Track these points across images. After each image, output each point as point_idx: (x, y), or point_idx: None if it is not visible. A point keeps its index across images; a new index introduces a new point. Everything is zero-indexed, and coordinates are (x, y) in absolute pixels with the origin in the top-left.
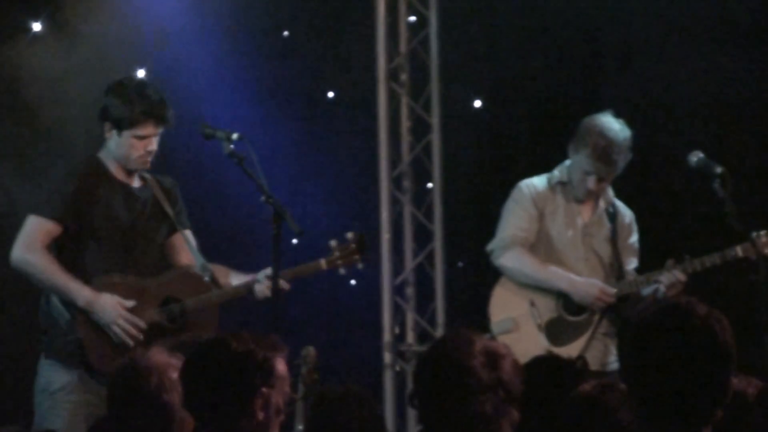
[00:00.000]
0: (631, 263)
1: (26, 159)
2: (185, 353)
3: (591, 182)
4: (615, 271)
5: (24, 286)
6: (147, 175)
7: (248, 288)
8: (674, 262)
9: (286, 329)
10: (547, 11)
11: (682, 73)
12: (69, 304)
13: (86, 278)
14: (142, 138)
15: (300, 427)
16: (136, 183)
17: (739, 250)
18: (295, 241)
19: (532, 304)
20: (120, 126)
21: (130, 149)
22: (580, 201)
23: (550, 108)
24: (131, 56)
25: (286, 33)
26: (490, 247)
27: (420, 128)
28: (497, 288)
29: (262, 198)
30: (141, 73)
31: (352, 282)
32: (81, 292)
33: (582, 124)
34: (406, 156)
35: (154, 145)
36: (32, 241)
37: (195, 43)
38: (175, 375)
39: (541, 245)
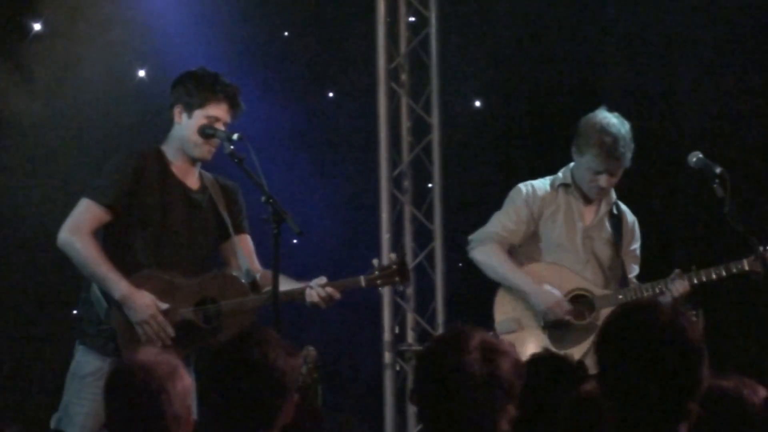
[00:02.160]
0: (633, 270)
1: (26, 159)
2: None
3: (603, 180)
4: (617, 275)
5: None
6: (208, 176)
7: (299, 294)
8: (680, 272)
9: (286, 329)
10: (547, 11)
11: (682, 72)
12: (108, 295)
13: (128, 268)
14: (213, 121)
15: None
16: (194, 183)
17: (745, 264)
18: (295, 241)
19: None
20: (191, 106)
21: (198, 132)
22: (588, 202)
23: (550, 108)
24: (131, 56)
25: (286, 33)
26: (470, 237)
27: (420, 128)
28: (502, 288)
29: (262, 198)
30: (141, 74)
31: None
32: (118, 285)
33: (581, 124)
34: (406, 156)
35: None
36: (80, 225)
37: (195, 44)
38: (162, 372)
39: (540, 247)
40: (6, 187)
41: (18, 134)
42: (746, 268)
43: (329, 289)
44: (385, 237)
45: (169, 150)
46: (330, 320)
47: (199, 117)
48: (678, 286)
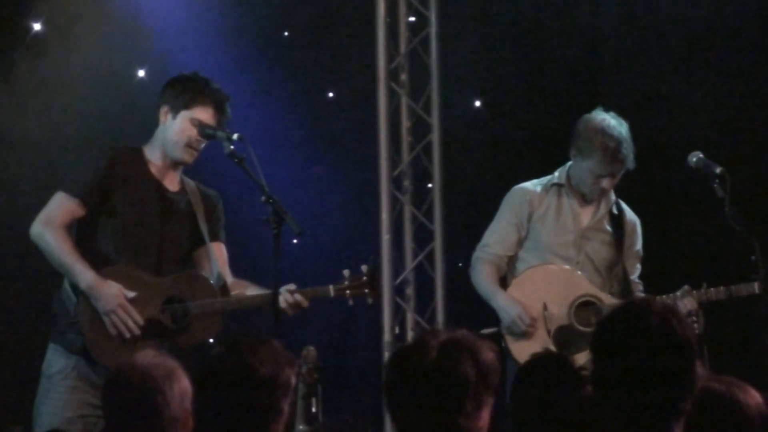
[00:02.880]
0: (635, 270)
1: (26, 158)
2: (181, 358)
3: (606, 183)
4: (617, 276)
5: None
6: (190, 183)
7: (258, 301)
8: (690, 289)
9: (286, 329)
10: (547, 11)
11: (682, 72)
12: (77, 289)
13: (98, 263)
14: (197, 124)
15: (301, 427)
16: (172, 186)
17: (756, 287)
18: (295, 241)
19: (545, 308)
20: (177, 107)
21: (181, 133)
22: (585, 202)
23: (550, 108)
24: (131, 56)
25: (286, 33)
26: (474, 254)
27: (420, 128)
28: (514, 284)
29: (262, 198)
30: (141, 73)
31: None
32: (84, 275)
33: (581, 127)
34: (406, 156)
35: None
36: (52, 217)
37: (195, 44)
38: (159, 373)
39: (532, 247)
40: (5, 187)
41: (17, 134)
42: (756, 291)
43: (297, 296)
44: (385, 237)
45: (150, 150)
46: (330, 320)
47: (184, 119)
48: (687, 302)
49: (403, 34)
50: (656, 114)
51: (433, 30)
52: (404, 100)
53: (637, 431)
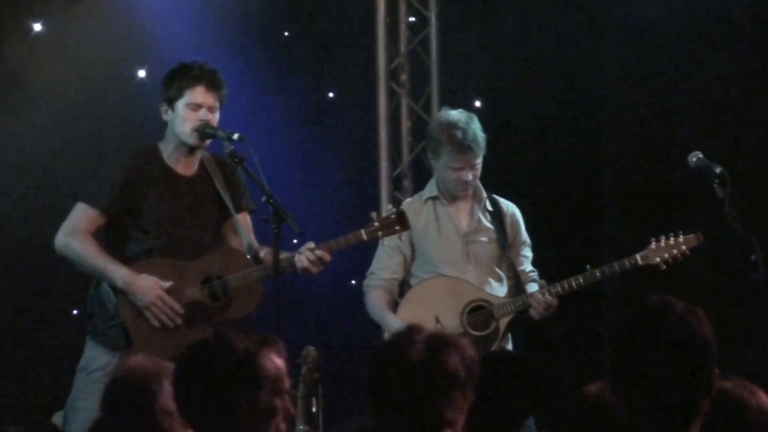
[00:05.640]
0: (525, 259)
1: (27, 158)
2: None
3: (466, 175)
4: (507, 270)
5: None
6: (206, 155)
7: (289, 262)
8: (545, 283)
9: (286, 329)
10: (547, 11)
11: (683, 72)
12: (115, 288)
13: (132, 262)
14: (195, 108)
15: (301, 427)
16: (191, 171)
17: (597, 273)
18: (295, 241)
19: (437, 320)
20: (172, 100)
21: (185, 122)
22: (460, 208)
23: (551, 108)
24: (131, 56)
25: (286, 33)
26: (363, 283)
27: (420, 128)
28: (402, 303)
29: (263, 198)
30: (141, 74)
31: (353, 282)
32: (119, 273)
33: (428, 131)
34: (406, 156)
35: (209, 115)
36: (76, 227)
37: (195, 44)
38: (149, 372)
39: (423, 262)
40: (6, 187)
41: (18, 134)
42: (598, 276)
43: (318, 252)
44: None
45: (165, 144)
46: (330, 320)
47: (182, 108)
48: (545, 299)
49: (403, 34)
50: (656, 114)
51: (433, 30)
52: (404, 100)
53: (655, 431)
